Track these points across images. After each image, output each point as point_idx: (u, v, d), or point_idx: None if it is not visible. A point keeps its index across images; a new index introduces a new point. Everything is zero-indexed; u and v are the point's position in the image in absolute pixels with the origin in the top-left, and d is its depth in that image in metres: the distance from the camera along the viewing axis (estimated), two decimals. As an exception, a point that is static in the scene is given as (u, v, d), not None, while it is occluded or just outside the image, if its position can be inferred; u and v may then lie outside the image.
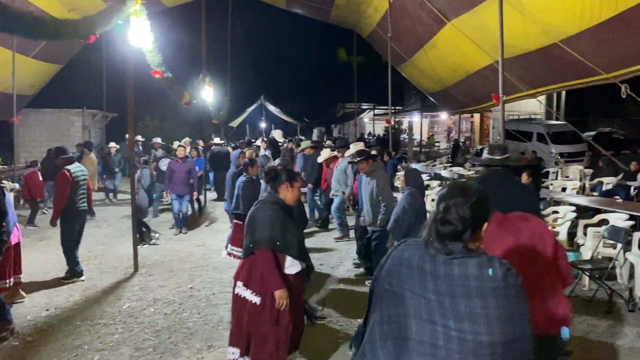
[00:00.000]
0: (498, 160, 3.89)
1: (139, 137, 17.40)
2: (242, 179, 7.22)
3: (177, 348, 4.69)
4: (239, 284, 3.70)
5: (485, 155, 3.98)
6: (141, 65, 8.10)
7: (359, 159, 6.57)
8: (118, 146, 14.35)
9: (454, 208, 1.81)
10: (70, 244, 6.69)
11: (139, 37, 7.11)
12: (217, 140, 16.32)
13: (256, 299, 3.57)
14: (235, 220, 7.02)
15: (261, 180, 6.94)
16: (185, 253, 8.27)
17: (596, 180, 12.23)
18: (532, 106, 22.27)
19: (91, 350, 4.65)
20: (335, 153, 9.80)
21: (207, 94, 13.51)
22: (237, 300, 3.71)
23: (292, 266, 3.70)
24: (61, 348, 4.69)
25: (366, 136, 35.38)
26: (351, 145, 7.95)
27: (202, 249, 8.60)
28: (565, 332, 2.71)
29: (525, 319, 1.72)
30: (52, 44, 13.61)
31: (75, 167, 6.77)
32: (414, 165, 16.96)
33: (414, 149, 28.65)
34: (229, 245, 7.18)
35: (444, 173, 14.77)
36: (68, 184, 6.53)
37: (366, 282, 6.40)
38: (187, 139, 15.52)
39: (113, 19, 6.43)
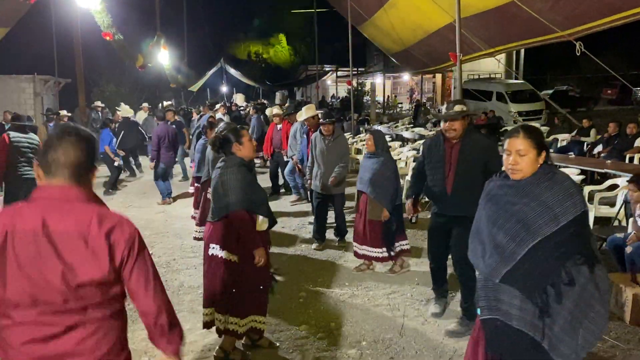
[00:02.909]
0: (456, 113, 3.99)
1: (99, 103, 16.86)
2: (201, 142, 7.10)
3: (137, 314, 4.64)
4: (213, 245, 3.74)
5: (444, 110, 4.14)
6: (92, 28, 7.78)
7: (324, 121, 6.40)
8: (69, 114, 13.84)
9: None
10: None
11: (86, -3, 6.79)
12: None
13: (234, 257, 3.66)
14: (196, 184, 6.95)
15: None
16: (145, 220, 8.16)
17: (552, 137, 12.56)
18: (492, 66, 22.49)
19: (48, 320, 4.57)
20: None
21: (163, 57, 13.17)
22: (212, 260, 3.75)
23: (263, 223, 3.78)
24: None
25: (329, 99, 35.27)
26: (303, 109, 7.83)
27: (162, 215, 8.49)
28: None
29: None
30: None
31: (17, 134, 6.54)
32: (377, 127, 17.02)
33: (377, 110, 28.69)
34: (192, 209, 7.19)
35: (406, 134, 14.86)
36: (4, 149, 6.34)
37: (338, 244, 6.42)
38: (145, 105, 15.15)
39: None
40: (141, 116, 13.73)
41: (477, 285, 2.54)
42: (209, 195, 5.96)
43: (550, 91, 25.82)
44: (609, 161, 8.24)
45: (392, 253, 5.44)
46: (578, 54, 9.72)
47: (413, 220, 4.55)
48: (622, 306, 4.26)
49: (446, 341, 4.01)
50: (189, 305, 4.82)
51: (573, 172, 7.32)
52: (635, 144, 9.43)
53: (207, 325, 3.86)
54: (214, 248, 3.75)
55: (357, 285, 5.20)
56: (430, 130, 14.96)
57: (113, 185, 10.77)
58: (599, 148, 10.19)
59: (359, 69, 34.83)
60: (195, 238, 6.61)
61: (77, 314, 1.74)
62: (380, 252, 5.43)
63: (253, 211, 3.69)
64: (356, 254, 5.60)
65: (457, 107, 4.10)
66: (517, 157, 2.41)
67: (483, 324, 2.47)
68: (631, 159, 9.21)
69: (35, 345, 1.71)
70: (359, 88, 30.78)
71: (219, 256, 3.71)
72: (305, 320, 4.44)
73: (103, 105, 16.50)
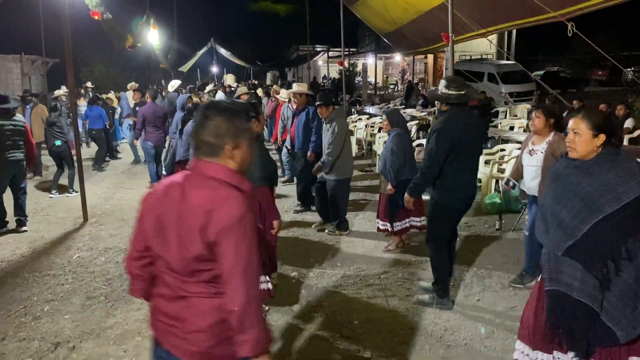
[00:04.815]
0: (455, 96, 3.97)
1: (88, 84, 16.62)
2: (192, 124, 7.05)
3: (130, 296, 4.67)
4: None
5: (443, 89, 4.03)
6: (81, 6, 7.64)
7: (318, 103, 6.29)
8: (65, 92, 13.67)
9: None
10: None
11: (73, -25, 6.66)
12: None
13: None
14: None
15: None
16: (136, 202, 7.97)
17: (542, 118, 12.56)
18: (484, 46, 22.45)
19: (40, 301, 4.58)
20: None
21: (153, 37, 12.98)
22: None
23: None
24: (9, 300, 4.60)
25: (321, 79, 35.05)
26: (294, 85, 7.74)
27: (154, 197, 8.45)
28: None
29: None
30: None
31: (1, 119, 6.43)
32: (369, 109, 16.99)
33: (369, 91, 28.59)
34: None
35: (398, 115, 14.83)
36: None
37: (326, 231, 6.31)
38: (133, 84, 14.96)
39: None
40: (129, 96, 13.62)
41: (542, 258, 2.69)
42: None
43: (542, 72, 25.80)
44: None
45: (395, 228, 5.54)
46: (570, 35, 9.69)
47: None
48: None
49: (437, 320, 4.07)
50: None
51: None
52: (625, 125, 9.49)
53: None
54: None
55: (349, 266, 5.25)
56: (421, 112, 14.95)
57: (101, 160, 10.80)
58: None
59: (351, 50, 34.57)
60: None
61: (186, 283, 1.81)
62: (383, 224, 5.68)
63: (273, 184, 4.01)
64: (378, 229, 5.86)
65: (442, 90, 4.07)
66: (572, 135, 2.56)
67: (546, 295, 2.62)
68: (620, 140, 9.28)
69: (162, 301, 1.89)
70: (351, 69, 30.61)
71: None
72: (298, 300, 4.48)
73: (93, 85, 16.32)
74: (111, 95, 13.77)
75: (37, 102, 10.49)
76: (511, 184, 4.68)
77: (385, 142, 5.71)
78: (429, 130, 4.31)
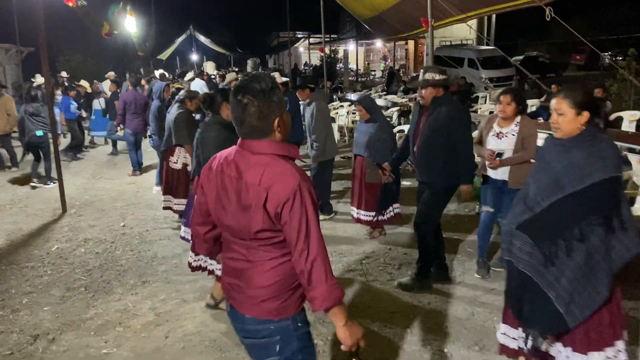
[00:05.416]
0: (423, 81, 4.02)
1: (64, 74, 16.31)
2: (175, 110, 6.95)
3: (110, 286, 4.64)
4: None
5: (423, 75, 4.09)
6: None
7: (297, 86, 6.24)
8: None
9: None
10: None
11: (44, -40, 6.49)
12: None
13: None
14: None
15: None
16: (116, 192, 8.05)
17: (521, 103, 12.66)
18: (464, 32, 22.48)
19: (19, 293, 4.52)
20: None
21: (130, 24, 12.74)
22: None
23: None
24: (-14, 294, 4.53)
25: (302, 66, 34.89)
26: (249, 61, 7.63)
27: (133, 187, 8.38)
28: None
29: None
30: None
31: None
32: (351, 96, 16.94)
33: (350, 78, 28.53)
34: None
35: (379, 101, 14.84)
36: None
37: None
38: (111, 73, 14.73)
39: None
40: (106, 86, 13.43)
41: (502, 231, 2.71)
42: (171, 164, 5.90)
43: (521, 57, 25.97)
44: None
45: (382, 217, 5.45)
46: (548, 20, 9.75)
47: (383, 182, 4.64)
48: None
49: (418, 304, 4.11)
50: (163, 276, 4.81)
51: (542, 137, 7.43)
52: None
53: (194, 269, 3.98)
54: None
55: (331, 253, 5.25)
56: (402, 98, 14.97)
57: (74, 149, 10.63)
58: (600, 122, 10.33)
59: (332, 36, 34.42)
60: (164, 208, 6.46)
61: (250, 249, 1.96)
62: (371, 215, 5.45)
63: None
64: (355, 219, 5.61)
65: (427, 75, 4.11)
66: (556, 116, 2.55)
67: (506, 264, 2.69)
68: (606, 124, 9.39)
69: (229, 263, 2.06)
70: (332, 55, 30.49)
71: None
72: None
73: (68, 75, 16.02)
74: (83, 82, 13.48)
75: (3, 93, 10.17)
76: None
77: (362, 130, 5.39)
78: (423, 118, 4.17)
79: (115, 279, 4.77)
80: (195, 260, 3.97)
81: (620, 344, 2.48)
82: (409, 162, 5.04)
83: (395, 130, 10.20)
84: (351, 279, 4.61)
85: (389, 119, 11.22)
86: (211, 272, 3.90)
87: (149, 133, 8.06)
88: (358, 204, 5.53)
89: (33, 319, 4.05)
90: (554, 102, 2.57)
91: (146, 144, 9.26)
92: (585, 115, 2.50)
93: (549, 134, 8.36)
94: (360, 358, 1.95)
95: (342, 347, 1.94)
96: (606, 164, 2.39)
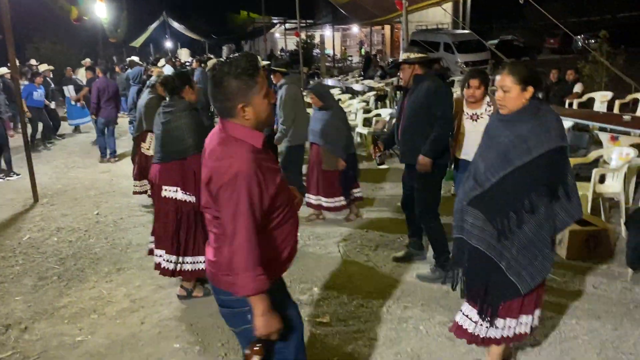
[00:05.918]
0: (416, 58, 4.03)
1: (33, 61, 15.90)
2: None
3: (84, 274, 4.57)
4: (168, 188, 3.76)
5: (404, 54, 4.15)
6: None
7: (271, 68, 6.15)
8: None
9: None
10: None
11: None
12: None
13: (192, 199, 3.71)
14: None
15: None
16: (89, 180, 7.91)
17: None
18: (440, 16, 22.50)
19: (-11, 284, 4.43)
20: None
21: (101, 9, 12.45)
22: (167, 202, 3.78)
23: None
24: (-45, 285, 4.43)
25: (278, 52, 34.60)
26: (224, 47, 7.49)
27: (107, 175, 8.24)
28: None
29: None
30: None
31: None
32: (328, 82, 16.84)
33: (327, 64, 28.40)
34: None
35: (356, 87, 14.81)
36: None
37: None
38: (87, 60, 14.44)
39: None
40: (82, 74, 13.13)
41: (454, 209, 2.72)
42: (144, 150, 5.82)
43: (496, 41, 26.14)
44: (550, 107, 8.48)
45: (344, 202, 5.52)
46: (522, 2, 9.82)
47: (378, 162, 4.48)
48: (559, 242, 4.49)
49: (394, 283, 4.14)
50: (137, 263, 4.76)
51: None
52: (575, 90, 9.74)
53: (158, 266, 3.91)
54: (168, 190, 3.77)
55: (308, 235, 5.25)
56: (379, 83, 14.96)
57: (37, 138, 10.35)
58: (540, 95, 10.47)
59: (308, 22, 34.17)
60: (134, 192, 6.35)
61: (210, 223, 2.04)
62: (336, 201, 5.49)
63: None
64: (309, 204, 5.60)
65: (404, 54, 4.12)
66: (502, 93, 2.54)
67: (453, 243, 2.71)
68: (570, 104, 9.53)
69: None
70: (308, 41, 30.28)
71: (174, 198, 3.75)
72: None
73: (38, 63, 15.58)
74: (43, 66, 12.92)
75: None
76: None
77: (317, 117, 5.41)
78: (408, 96, 4.14)
79: (89, 267, 4.70)
80: (151, 242, 4.03)
81: (537, 312, 2.70)
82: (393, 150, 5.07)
83: (371, 114, 10.23)
84: (329, 261, 4.62)
85: (364, 103, 11.22)
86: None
87: (129, 119, 7.92)
88: (316, 191, 5.52)
89: (4, 309, 3.98)
90: (498, 78, 2.56)
91: (126, 131, 9.06)
92: (530, 90, 2.51)
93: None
94: (262, 352, 1.94)
95: (255, 333, 1.94)
96: (551, 135, 2.43)
